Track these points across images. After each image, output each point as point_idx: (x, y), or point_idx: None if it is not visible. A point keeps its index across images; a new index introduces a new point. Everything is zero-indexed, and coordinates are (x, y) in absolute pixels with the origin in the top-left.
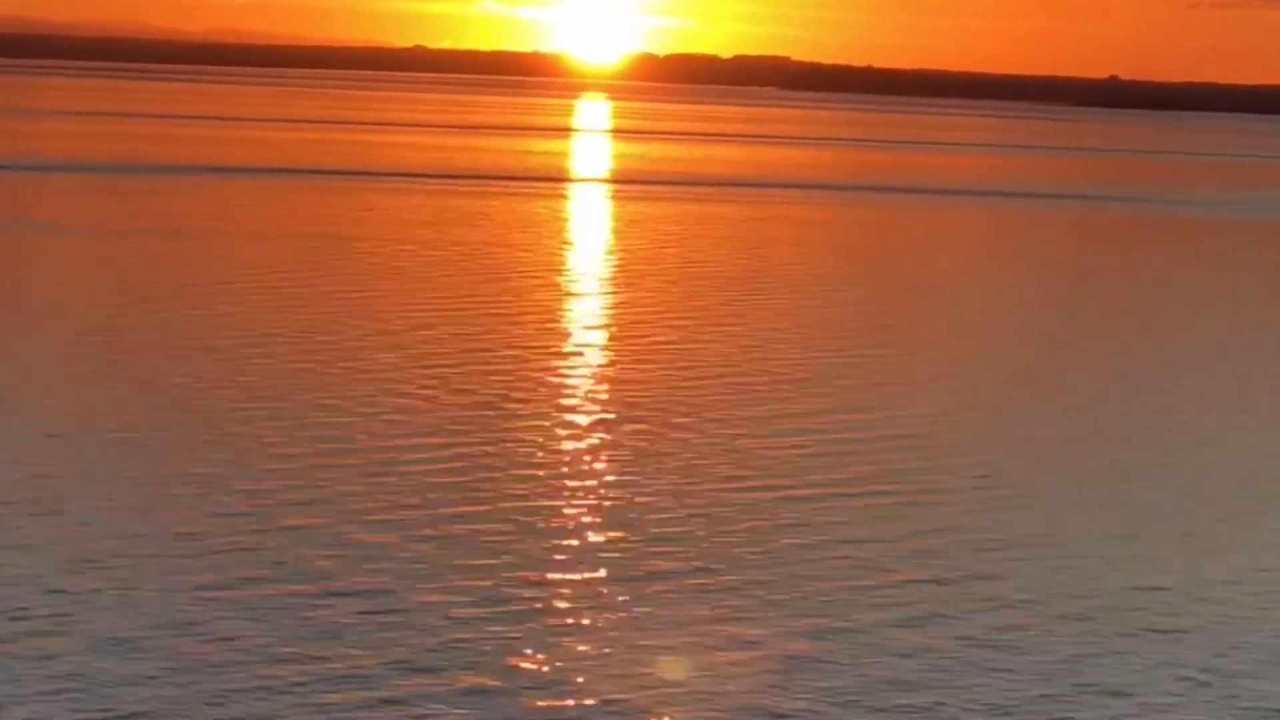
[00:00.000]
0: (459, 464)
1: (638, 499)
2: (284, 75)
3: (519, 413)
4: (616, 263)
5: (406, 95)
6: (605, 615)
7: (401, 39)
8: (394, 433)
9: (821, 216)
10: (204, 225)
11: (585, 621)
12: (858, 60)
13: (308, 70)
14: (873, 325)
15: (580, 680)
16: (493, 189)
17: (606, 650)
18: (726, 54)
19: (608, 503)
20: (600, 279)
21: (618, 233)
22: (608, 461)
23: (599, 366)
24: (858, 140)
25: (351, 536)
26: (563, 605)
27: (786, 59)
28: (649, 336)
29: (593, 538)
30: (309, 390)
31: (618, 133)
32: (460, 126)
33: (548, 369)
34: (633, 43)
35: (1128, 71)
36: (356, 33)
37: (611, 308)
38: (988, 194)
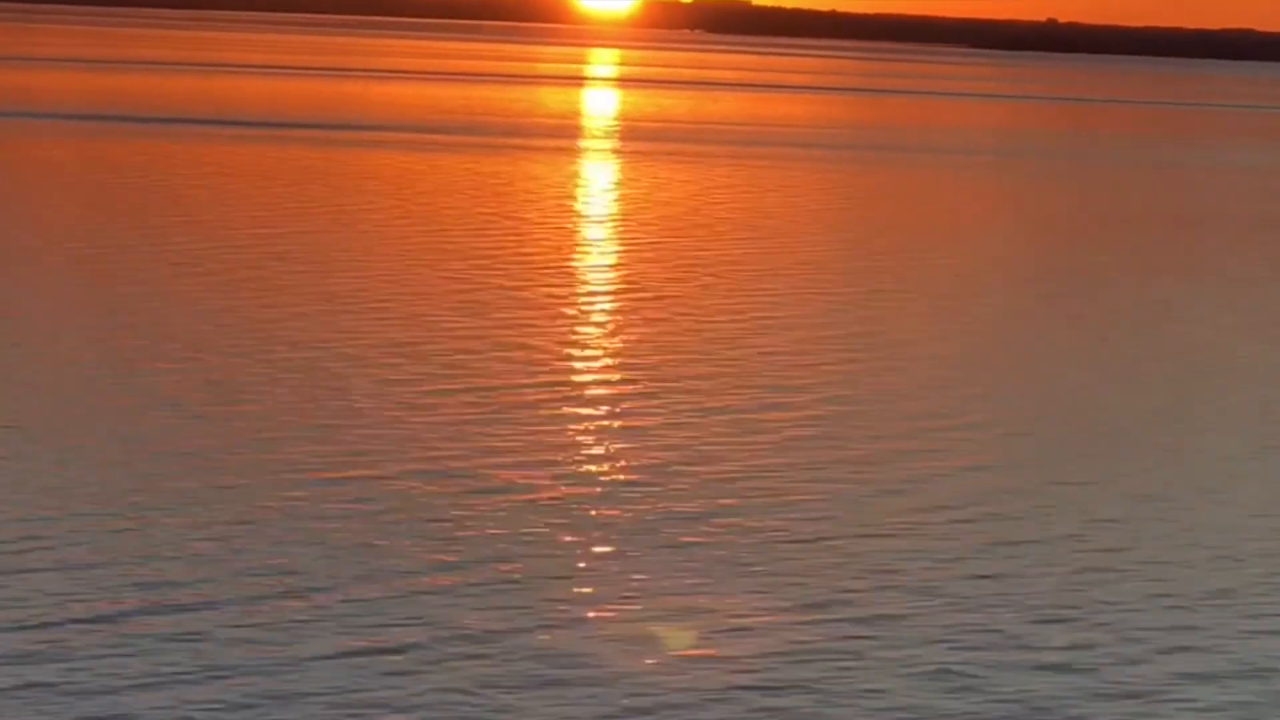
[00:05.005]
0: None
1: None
2: (265, 20)
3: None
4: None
5: (365, 42)
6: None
7: None
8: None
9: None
10: None
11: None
12: (822, 5)
13: (292, 15)
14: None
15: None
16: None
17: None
18: None
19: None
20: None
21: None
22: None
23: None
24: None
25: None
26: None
27: (747, 3)
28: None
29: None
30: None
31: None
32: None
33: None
34: None
35: (1066, 15)
36: None
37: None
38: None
